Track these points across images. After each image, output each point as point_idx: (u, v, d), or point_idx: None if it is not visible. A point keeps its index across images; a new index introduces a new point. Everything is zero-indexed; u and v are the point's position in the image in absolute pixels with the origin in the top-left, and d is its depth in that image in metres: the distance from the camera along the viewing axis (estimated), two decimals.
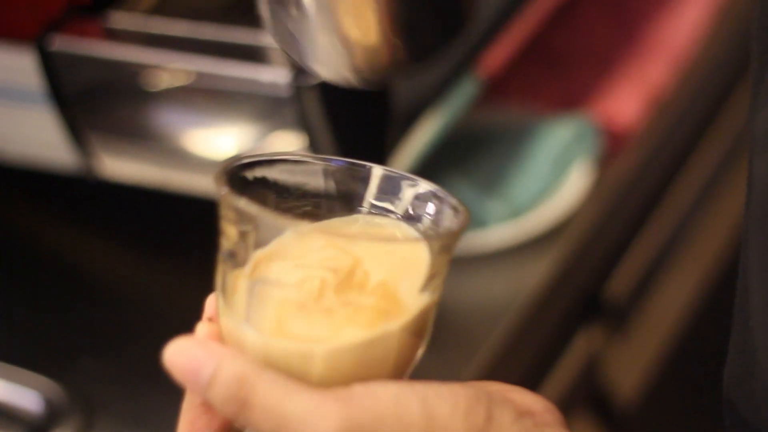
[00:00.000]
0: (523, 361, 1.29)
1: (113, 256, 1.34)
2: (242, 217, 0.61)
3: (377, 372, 0.60)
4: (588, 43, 1.58)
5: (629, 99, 1.50)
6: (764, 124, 0.59)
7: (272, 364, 0.59)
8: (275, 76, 1.09)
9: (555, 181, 1.36)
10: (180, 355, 0.60)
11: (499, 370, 1.21)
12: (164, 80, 1.15)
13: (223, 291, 0.62)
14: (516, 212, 1.33)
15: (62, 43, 1.17)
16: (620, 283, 1.48)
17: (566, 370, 1.38)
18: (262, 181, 0.64)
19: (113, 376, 1.17)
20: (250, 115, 1.13)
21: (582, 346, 1.42)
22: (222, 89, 1.13)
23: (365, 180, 0.66)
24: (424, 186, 0.65)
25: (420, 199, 0.65)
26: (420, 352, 0.64)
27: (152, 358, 1.16)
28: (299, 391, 0.58)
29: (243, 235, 0.62)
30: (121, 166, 1.21)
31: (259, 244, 0.62)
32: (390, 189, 0.65)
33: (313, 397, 0.58)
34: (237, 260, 0.62)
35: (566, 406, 1.38)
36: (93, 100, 1.20)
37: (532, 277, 1.29)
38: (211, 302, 0.64)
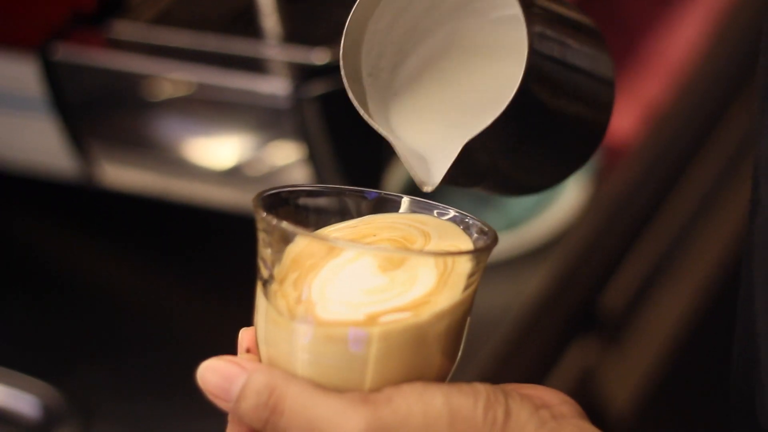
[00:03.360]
0: (517, 371, 1.29)
1: (113, 264, 1.34)
2: (283, 236, 0.62)
3: (429, 355, 0.62)
4: None
5: (627, 113, 1.51)
6: None
7: (328, 355, 0.61)
8: (275, 87, 1.10)
9: (551, 193, 1.36)
10: (212, 372, 0.62)
11: (494, 381, 1.22)
12: (165, 90, 1.16)
13: (269, 311, 0.63)
14: (512, 224, 1.34)
15: (65, 53, 1.17)
16: (615, 295, 1.49)
17: (560, 381, 1.39)
18: (300, 209, 0.66)
19: (111, 382, 1.17)
20: (250, 126, 1.14)
21: (576, 357, 1.42)
22: (223, 100, 1.13)
23: (396, 209, 0.68)
24: (454, 212, 0.68)
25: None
26: (459, 353, 0.66)
27: (150, 365, 1.17)
28: (327, 394, 0.60)
29: (280, 251, 0.63)
30: (122, 175, 1.22)
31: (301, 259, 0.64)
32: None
33: (341, 400, 0.59)
34: (275, 279, 0.63)
35: None
36: (95, 109, 1.20)
37: (528, 288, 1.30)
38: (245, 334, 0.65)
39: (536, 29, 0.64)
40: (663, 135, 1.54)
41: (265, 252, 0.63)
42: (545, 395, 0.63)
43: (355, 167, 1.12)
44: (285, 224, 0.62)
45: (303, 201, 0.66)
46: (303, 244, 0.63)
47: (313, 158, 1.12)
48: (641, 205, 1.52)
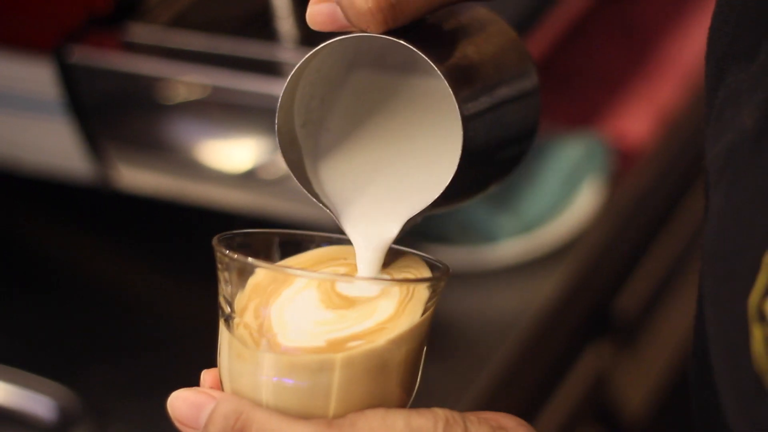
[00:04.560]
0: (532, 376, 1.29)
1: (128, 266, 1.34)
2: (241, 269, 0.63)
3: (389, 382, 0.63)
4: (599, 62, 1.59)
5: (640, 117, 1.51)
6: (717, 160, 0.61)
7: (292, 383, 0.62)
8: None
9: (566, 197, 1.36)
10: (181, 401, 0.63)
11: (508, 385, 1.22)
12: (181, 93, 1.16)
13: (231, 345, 0.64)
14: (527, 228, 1.34)
15: (81, 55, 1.18)
16: (629, 299, 1.49)
17: (575, 385, 1.39)
18: (257, 250, 0.67)
19: (126, 383, 1.17)
20: (266, 129, 1.14)
21: (591, 361, 1.42)
22: (238, 103, 1.14)
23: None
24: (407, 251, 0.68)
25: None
26: (418, 378, 0.66)
27: (164, 366, 1.17)
28: (293, 420, 0.61)
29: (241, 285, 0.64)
30: (138, 178, 1.22)
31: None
32: None
33: (307, 426, 0.61)
34: (234, 313, 0.64)
35: (574, 422, 1.38)
36: (110, 112, 1.21)
37: (542, 292, 1.30)
38: (207, 375, 0.66)
39: (463, 94, 0.62)
40: (676, 139, 1.54)
41: (225, 289, 0.64)
42: (501, 419, 0.65)
43: None
44: (241, 257, 0.63)
45: (260, 243, 0.67)
46: (261, 275, 0.64)
47: None
48: (655, 209, 1.52)
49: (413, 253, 0.67)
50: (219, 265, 0.64)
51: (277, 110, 0.64)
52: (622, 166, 1.44)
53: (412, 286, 0.64)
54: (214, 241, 0.64)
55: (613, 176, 1.41)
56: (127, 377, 1.18)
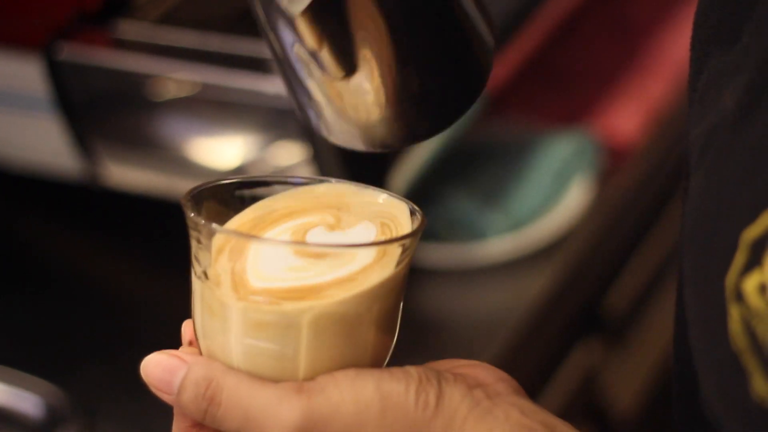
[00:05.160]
0: (521, 373, 1.29)
1: (117, 263, 1.34)
2: (209, 231, 0.63)
3: (361, 339, 0.62)
4: (589, 59, 1.59)
5: (630, 115, 1.51)
6: (698, 141, 0.61)
7: (260, 339, 0.61)
8: (280, 87, 1.10)
9: (555, 195, 1.36)
10: (154, 365, 0.63)
11: None
12: (170, 90, 1.16)
13: (203, 302, 0.64)
14: (516, 225, 1.34)
15: (70, 52, 1.18)
16: (619, 296, 1.49)
17: (564, 383, 1.39)
18: (227, 200, 0.66)
19: (115, 381, 1.17)
20: (255, 126, 1.14)
21: (580, 359, 1.43)
22: (227, 100, 1.13)
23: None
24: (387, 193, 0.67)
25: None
26: (394, 336, 0.65)
27: None
28: (263, 385, 0.61)
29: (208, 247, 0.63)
30: (127, 175, 1.22)
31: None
32: None
33: (276, 390, 0.60)
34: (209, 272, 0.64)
35: (564, 419, 1.38)
36: (99, 109, 1.20)
37: (532, 289, 1.30)
38: (187, 327, 0.66)
39: None
40: (666, 137, 1.54)
41: (196, 247, 0.63)
42: (480, 374, 0.63)
43: (360, 167, 1.12)
44: (206, 224, 0.62)
45: (229, 193, 0.66)
46: (231, 227, 0.64)
47: (317, 158, 1.12)
48: (645, 206, 1.52)
49: (394, 196, 0.66)
50: (188, 223, 0.64)
51: None
52: (611, 163, 1.45)
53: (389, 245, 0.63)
54: (183, 199, 0.64)
55: (602, 174, 1.42)
56: (116, 375, 1.18)
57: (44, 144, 1.24)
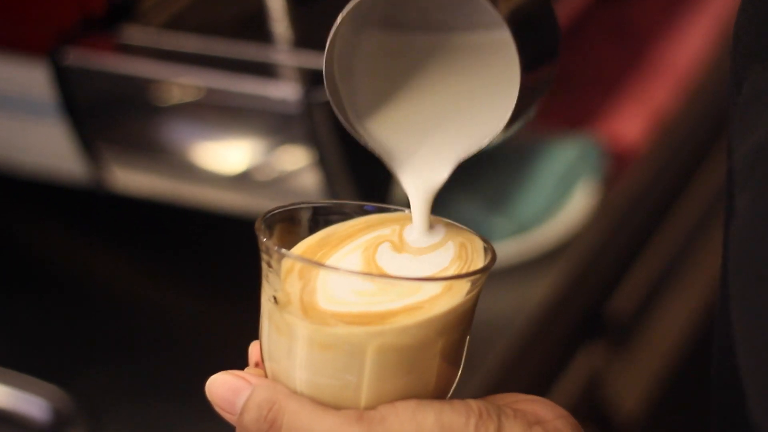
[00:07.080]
0: (525, 377, 1.29)
1: (123, 267, 1.35)
2: (275, 256, 0.63)
3: (425, 369, 0.62)
4: (594, 64, 1.60)
5: (634, 120, 1.51)
6: (745, 160, 0.61)
7: (325, 364, 0.62)
8: (285, 92, 1.10)
9: (560, 199, 1.37)
10: (219, 385, 0.63)
11: (501, 386, 1.22)
12: (175, 95, 1.16)
13: (270, 325, 0.64)
14: (520, 229, 1.34)
15: (75, 58, 1.18)
16: (623, 300, 1.49)
17: (568, 386, 1.39)
18: (301, 224, 0.67)
19: (120, 384, 1.17)
20: (260, 131, 1.14)
21: (584, 363, 1.43)
22: (232, 104, 1.14)
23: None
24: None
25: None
26: (459, 369, 0.65)
27: (159, 368, 1.17)
28: (324, 412, 0.61)
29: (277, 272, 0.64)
30: (132, 179, 1.22)
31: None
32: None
33: (337, 418, 0.61)
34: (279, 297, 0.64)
35: None
36: (105, 114, 1.21)
37: (536, 294, 1.30)
38: (254, 348, 0.66)
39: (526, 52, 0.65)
40: (670, 142, 1.54)
41: (267, 270, 0.64)
42: (540, 410, 0.63)
43: (365, 172, 1.12)
44: (277, 250, 0.63)
45: (303, 216, 0.67)
46: (302, 249, 0.65)
47: (322, 163, 1.12)
48: (649, 211, 1.53)
49: (469, 231, 0.67)
50: (260, 247, 0.64)
51: (324, 63, 0.65)
52: (615, 168, 1.45)
53: (463, 265, 0.63)
54: (257, 223, 0.64)
55: (606, 178, 1.42)
56: (121, 379, 1.18)
57: (50, 149, 1.24)
